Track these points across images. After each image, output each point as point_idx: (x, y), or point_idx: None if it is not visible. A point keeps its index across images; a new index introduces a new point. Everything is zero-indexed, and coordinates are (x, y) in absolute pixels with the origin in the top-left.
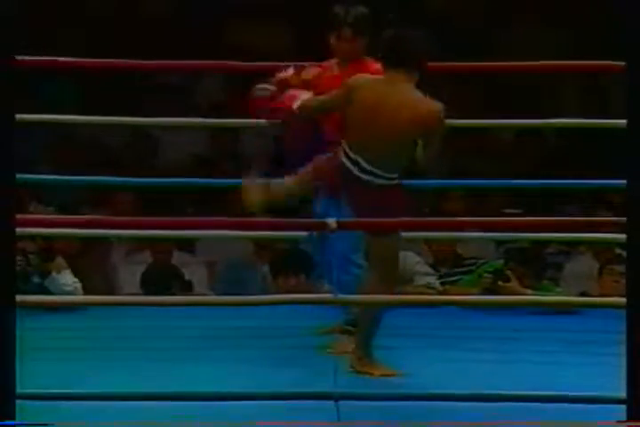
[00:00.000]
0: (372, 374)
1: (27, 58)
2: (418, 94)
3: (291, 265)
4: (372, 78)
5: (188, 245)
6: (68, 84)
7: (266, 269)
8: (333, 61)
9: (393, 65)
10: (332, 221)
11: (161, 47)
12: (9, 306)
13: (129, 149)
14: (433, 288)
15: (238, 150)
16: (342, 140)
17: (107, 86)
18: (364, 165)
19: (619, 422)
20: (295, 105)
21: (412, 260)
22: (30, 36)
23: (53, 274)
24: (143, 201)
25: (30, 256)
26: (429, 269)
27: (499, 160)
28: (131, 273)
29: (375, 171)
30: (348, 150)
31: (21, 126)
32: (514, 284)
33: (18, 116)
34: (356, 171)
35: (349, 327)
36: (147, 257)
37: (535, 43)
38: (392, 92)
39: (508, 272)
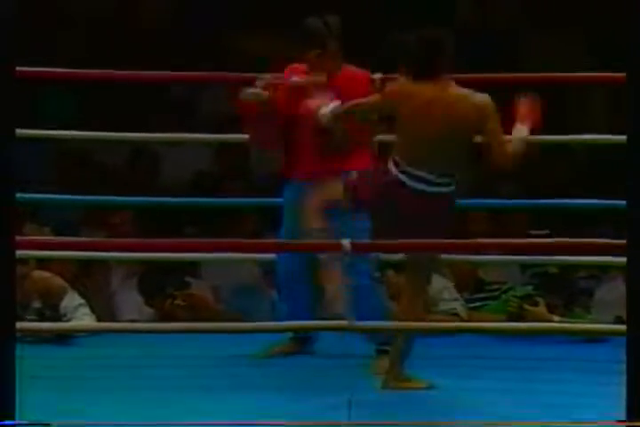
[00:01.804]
0: (411, 388)
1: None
2: (462, 89)
3: None
4: (410, 86)
5: (191, 269)
6: (65, 98)
7: (274, 294)
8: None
9: (430, 72)
10: (346, 243)
11: (161, 58)
12: (9, 333)
13: (129, 165)
14: (457, 315)
15: (246, 167)
16: (395, 157)
17: (106, 100)
18: (431, 177)
19: (618, 422)
20: (322, 111)
21: (438, 284)
22: (29, 48)
23: (61, 304)
24: (144, 221)
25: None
26: (456, 295)
27: (524, 178)
28: (130, 298)
29: (443, 180)
30: (405, 166)
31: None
32: (542, 309)
33: (18, 131)
34: (422, 186)
35: (385, 347)
36: None
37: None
38: (438, 95)
39: (538, 298)
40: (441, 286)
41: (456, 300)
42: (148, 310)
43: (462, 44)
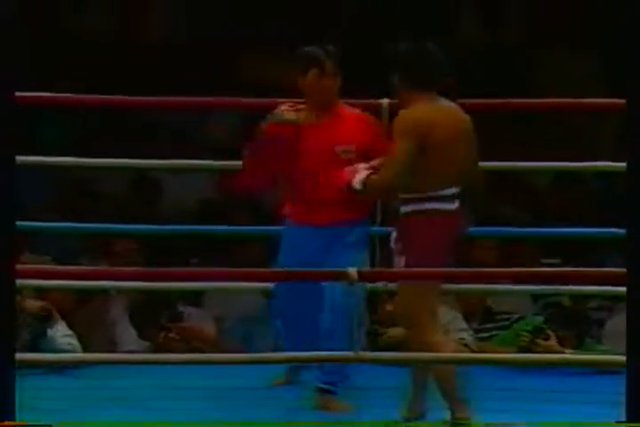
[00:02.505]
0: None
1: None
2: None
3: None
4: (428, 110)
5: (194, 298)
6: (64, 124)
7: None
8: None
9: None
10: (352, 271)
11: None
12: (9, 363)
13: (131, 193)
14: (466, 345)
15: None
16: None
17: (107, 125)
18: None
19: (618, 422)
20: (358, 182)
21: (447, 314)
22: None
23: (48, 332)
24: (146, 249)
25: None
26: (464, 325)
27: (534, 205)
28: (130, 329)
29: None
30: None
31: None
32: (553, 342)
33: (18, 158)
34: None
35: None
36: None
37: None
38: (447, 105)
39: (549, 331)
40: (449, 316)
41: (463, 330)
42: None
43: (471, 63)
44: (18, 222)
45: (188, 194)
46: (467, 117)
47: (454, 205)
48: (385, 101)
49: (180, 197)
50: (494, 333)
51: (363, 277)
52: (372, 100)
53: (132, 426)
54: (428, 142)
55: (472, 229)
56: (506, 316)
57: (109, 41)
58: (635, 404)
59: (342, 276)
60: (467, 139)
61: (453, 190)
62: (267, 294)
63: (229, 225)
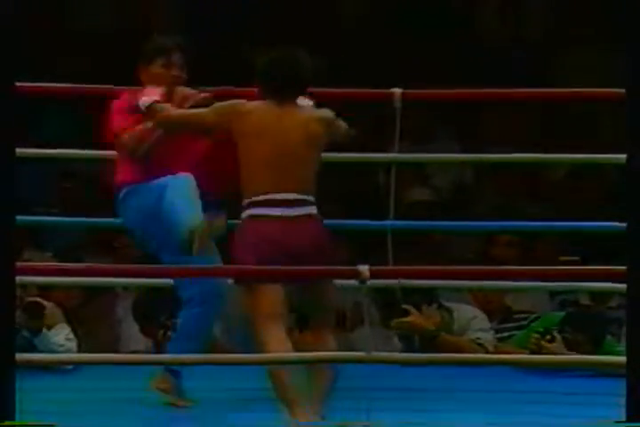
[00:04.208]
0: None
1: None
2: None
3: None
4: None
5: None
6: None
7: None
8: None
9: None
10: (364, 269)
11: None
12: (9, 363)
13: None
14: (481, 345)
15: None
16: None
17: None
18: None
19: (618, 422)
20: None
21: (467, 313)
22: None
23: (44, 331)
24: None
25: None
26: (486, 325)
27: (553, 200)
28: (135, 328)
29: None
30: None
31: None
32: (556, 345)
33: (18, 150)
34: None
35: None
36: None
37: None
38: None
39: (555, 333)
40: (470, 315)
41: (483, 330)
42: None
43: (491, 60)
44: (19, 217)
45: None
46: (314, 125)
47: (279, 211)
48: (397, 91)
49: None
50: (513, 333)
51: (375, 274)
52: (383, 90)
53: None
54: (240, 130)
55: (488, 223)
56: (524, 315)
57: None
58: (635, 404)
59: (353, 274)
60: (306, 144)
61: (282, 195)
62: None
63: None
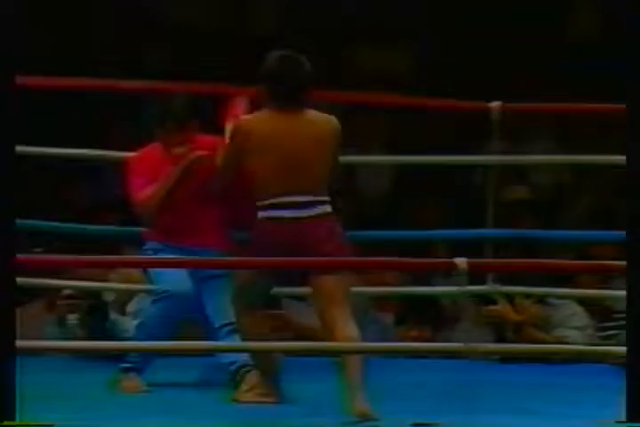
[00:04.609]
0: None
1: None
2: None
3: (415, 314)
4: (257, 119)
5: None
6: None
7: (389, 318)
8: None
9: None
10: (461, 262)
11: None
12: (9, 362)
13: None
14: (567, 344)
15: None
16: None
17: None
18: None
19: (618, 422)
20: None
21: (568, 309)
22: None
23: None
24: None
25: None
26: (583, 323)
27: None
28: None
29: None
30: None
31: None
32: None
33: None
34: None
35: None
36: None
37: None
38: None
39: None
40: (570, 311)
41: (579, 328)
42: None
43: (584, 61)
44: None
45: None
46: (322, 127)
47: (291, 213)
48: (496, 104)
49: None
50: (614, 332)
51: (473, 268)
52: (482, 103)
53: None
54: (245, 149)
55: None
56: (622, 315)
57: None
58: (635, 404)
59: (450, 266)
60: (313, 147)
61: (294, 198)
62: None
63: None
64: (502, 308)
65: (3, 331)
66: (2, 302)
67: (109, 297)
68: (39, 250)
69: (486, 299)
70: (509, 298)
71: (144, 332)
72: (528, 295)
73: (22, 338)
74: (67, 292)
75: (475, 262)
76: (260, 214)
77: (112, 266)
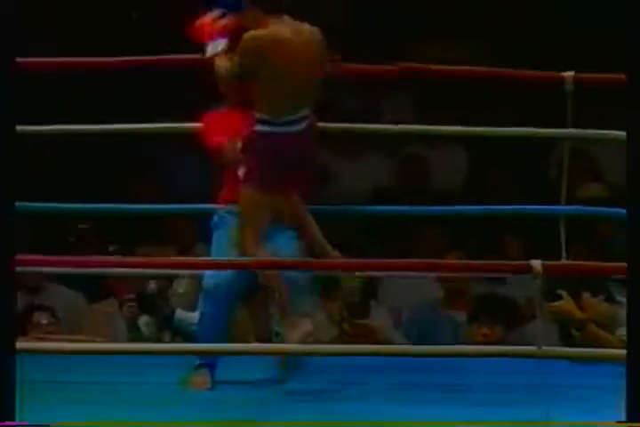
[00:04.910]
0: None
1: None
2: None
3: (486, 313)
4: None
5: (371, 290)
6: None
7: (462, 317)
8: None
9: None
10: (536, 264)
11: None
12: (9, 351)
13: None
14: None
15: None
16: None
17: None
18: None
19: (618, 422)
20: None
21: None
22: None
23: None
24: None
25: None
26: None
27: None
28: None
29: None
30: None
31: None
32: None
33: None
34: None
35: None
36: None
37: None
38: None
39: None
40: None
41: None
42: None
43: None
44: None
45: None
46: (314, 36)
47: (294, 128)
48: (569, 74)
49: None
50: None
51: (547, 270)
52: (554, 73)
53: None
54: (269, 62)
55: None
56: None
57: None
58: (635, 404)
59: (524, 269)
60: (312, 58)
61: (299, 114)
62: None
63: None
64: (566, 304)
65: (3, 331)
66: (2, 301)
67: (180, 289)
68: (113, 248)
69: (552, 295)
70: (577, 295)
71: (202, 328)
72: (595, 293)
73: (91, 335)
74: (131, 295)
75: (550, 265)
76: (265, 129)
77: (112, 266)
